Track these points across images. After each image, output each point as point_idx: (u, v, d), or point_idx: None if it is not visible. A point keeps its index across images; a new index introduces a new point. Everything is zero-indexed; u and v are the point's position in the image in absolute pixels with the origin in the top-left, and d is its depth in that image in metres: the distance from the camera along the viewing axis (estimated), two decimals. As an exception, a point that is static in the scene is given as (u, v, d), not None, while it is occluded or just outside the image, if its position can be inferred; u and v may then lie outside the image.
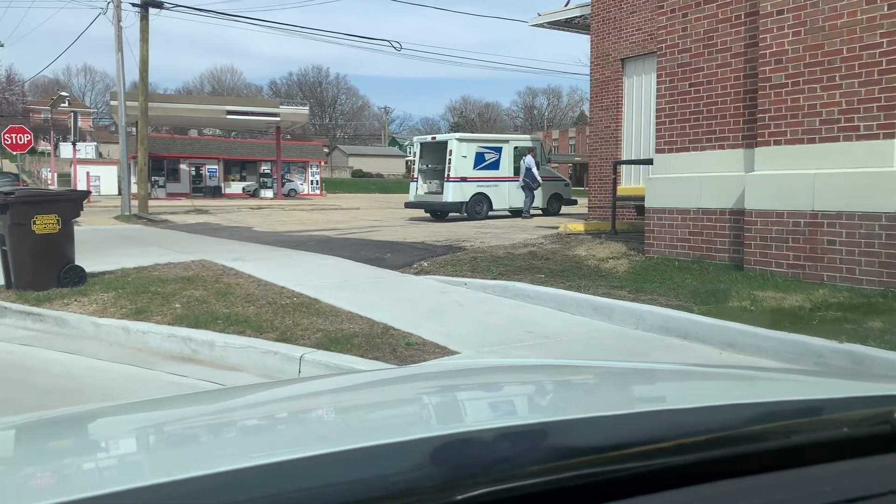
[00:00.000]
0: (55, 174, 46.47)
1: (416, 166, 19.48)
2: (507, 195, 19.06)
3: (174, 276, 8.13)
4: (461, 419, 1.24)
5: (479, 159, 18.57)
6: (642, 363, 2.86)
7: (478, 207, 18.57)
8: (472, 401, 1.43)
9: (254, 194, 47.24)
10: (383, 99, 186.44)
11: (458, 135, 19.39)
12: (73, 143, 40.34)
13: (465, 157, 18.31)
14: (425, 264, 8.64)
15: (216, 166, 50.02)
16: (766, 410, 1.13)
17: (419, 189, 19.27)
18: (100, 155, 70.10)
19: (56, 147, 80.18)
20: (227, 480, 0.79)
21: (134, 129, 48.20)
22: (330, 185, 59.02)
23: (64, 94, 47.04)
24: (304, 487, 0.79)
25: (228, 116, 40.21)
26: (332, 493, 0.78)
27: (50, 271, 7.47)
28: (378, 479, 0.81)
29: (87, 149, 62.87)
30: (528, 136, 23.32)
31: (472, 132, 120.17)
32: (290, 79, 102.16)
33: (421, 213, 19.98)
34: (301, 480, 0.80)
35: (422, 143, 19.66)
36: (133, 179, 47.48)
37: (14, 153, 21.30)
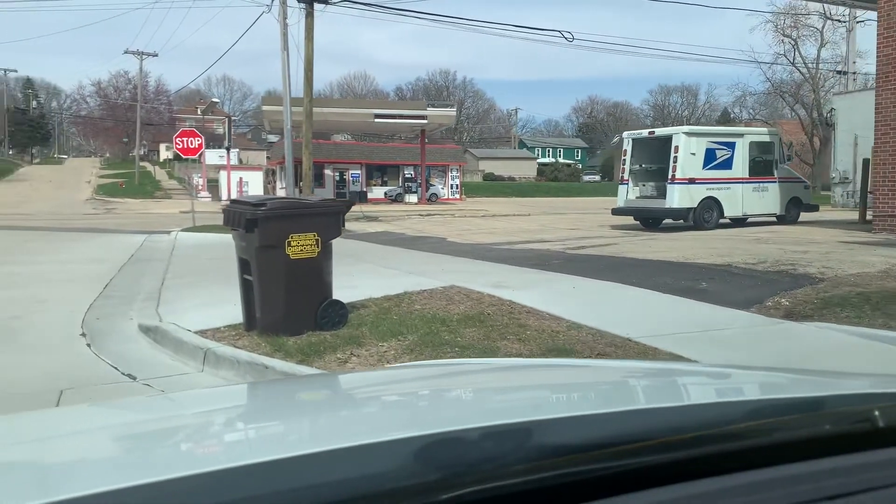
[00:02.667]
0: (205, 180, 47.14)
1: (626, 167, 16.74)
2: (740, 199, 16.14)
3: (454, 314, 6.10)
4: (446, 418, 1.20)
5: (710, 157, 15.70)
6: (627, 362, 2.33)
7: (706, 214, 15.71)
8: (457, 400, 1.42)
9: (396, 199, 46.09)
10: (506, 101, 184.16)
11: (685, 128, 16.67)
12: (228, 149, 40.59)
13: (693, 154, 15.51)
14: (785, 302, 6.21)
15: (359, 171, 49.30)
16: (748, 408, 1.13)
17: (630, 193, 16.60)
18: (240, 161, 71.63)
19: (201, 154, 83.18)
20: (212, 480, 0.78)
21: (272, 135, 48.15)
22: (466, 189, 57.30)
23: (215, 100, 47.38)
24: (289, 488, 0.77)
25: (376, 120, 39.15)
26: (317, 493, 0.77)
27: (306, 308, 5.60)
28: (362, 479, 0.80)
29: (226, 155, 64.15)
30: (764, 130, 20.25)
31: (603, 132, 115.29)
32: (415, 84, 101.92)
33: (622, 220, 17.45)
34: (285, 480, 0.79)
35: (634, 140, 16.75)
36: (280, 184, 47.48)
37: (185, 157, 20.46)
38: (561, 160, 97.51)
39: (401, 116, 39.96)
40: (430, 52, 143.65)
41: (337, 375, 2.98)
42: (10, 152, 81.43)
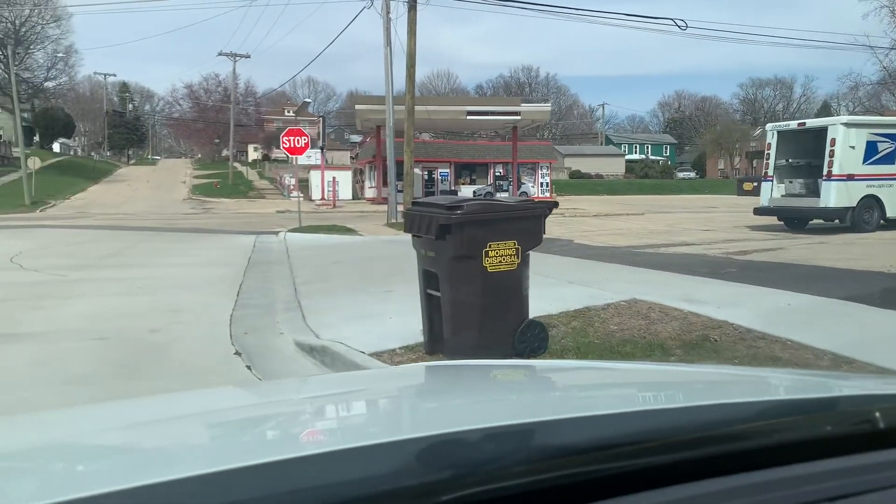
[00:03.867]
0: (297, 180, 47.34)
1: (770, 162, 15.19)
2: None
3: (665, 338, 5.11)
4: (447, 419, 1.20)
5: (871, 150, 14.04)
6: (628, 363, 2.25)
7: (866, 215, 14.08)
8: (459, 401, 1.41)
9: (485, 198, 45.20)
10: (589, 97, 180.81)
11: (844, 118, 15.07)
12: (322, 149, 40.56)
13: (852, 147, 13.89)
14: None
15: (447, 170, 48.61)
16: (749, 410, 1.12)
17: (774, 191, 15.06)
18: (326, 161, 72.09)
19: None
20: (214, 481, 0.77)
21: (356, 136, 48.02)
22: (555, 187, 55.86)
23: (307, 100, 47.55)
24: (290, 489, 0.77)
25: (468, 117, 38.32)
26: (318, 494, 0.77)
27: (502, 330, 4.70)
28: (364, 481, 0.80)
29: (316, 155, 64.65)
30: (933, 119, 18.35)
31: (693, 128, 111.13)
32: (496, 81, 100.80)
33: (762, 220, 15.97)
34: (287, 481, 0.78)
35: (780, 132, 15.12)
36: (369, 184, 47.28)
37: (291, 156, 20.05)
38: (650, 157, 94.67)
39: (494, 113, 39.02)
40: (509, 50, 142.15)
41: (337, 376, 2.86)
42: (107, 154, 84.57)
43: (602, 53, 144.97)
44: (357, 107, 38.28)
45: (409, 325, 6.22)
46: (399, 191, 42.98)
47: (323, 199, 40.22)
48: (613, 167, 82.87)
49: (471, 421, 1.04)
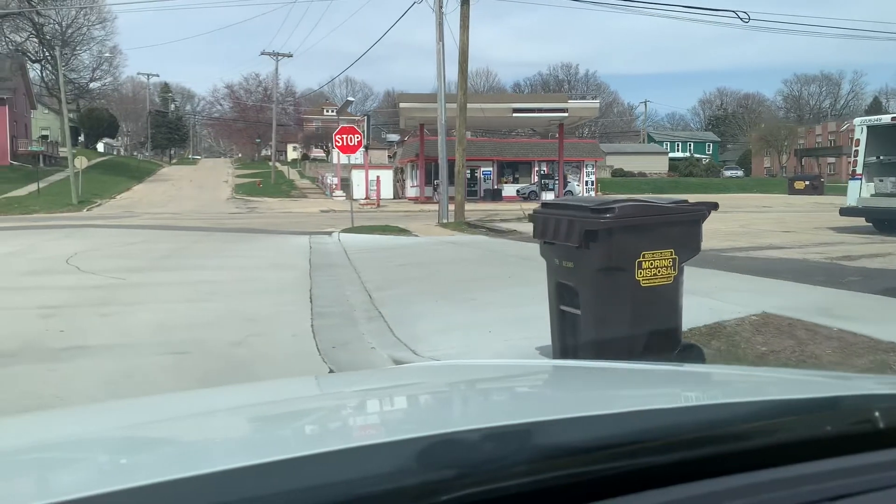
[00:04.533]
0: (339, 179, 47.00)
1: (858, 159, 14.18)
2: None
3: (830, 362, 4.35)
4: (447, 419, 1.21)
5: (974, 145, 13.00)
6: (629, 364, 2.07)
7: (966, 218, 12.98)
8: (458, 401, 1.42)
9: (529, 197, 44.19)
10: (628, 95, 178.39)
11: None
12: (367, 148, 40.09)
13: (954, 141, 12.83)
14: None
15: (490, 168, 47.88)
16: (750, 410, 1.12)
17: (864, 191, 14.06)
18: (368, 161, 71.78)
19: (328, 153, 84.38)
20: (211, 481, 0.77)
21: (392, 135, 47.58)
22: (600, 186, 54.78)
23: (350, 99, 47.22)
24: (289, 489, 0.77)
25: (515, 115, 37.54)
26: (317, 494, 0.76)
27: (653, 354, 4.00)
28: (363, 480, 0.80)
29: (359, 154, 64.38)
30: None
31: (737, 126, 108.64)
32: (534, 79, 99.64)
33: (846, 221, 14.99)
34: (285, 481, 0.78)
35: (870, 127, 14.06)
36: (411, 183, 46.72)
37: (343, 154, 19.55)
38: (693, 155, 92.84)
39: (540, 110, 38.14)
40: (546, 48, 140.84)
41: (337, 376, 2.85)
42: (149, 153, 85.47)
43: (641, 51, 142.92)
44: (401, 105, 37.67)
45: (513, 340, 5.58)
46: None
47: (367, 198, 39.76)
48: (656, 165, 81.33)
49: (471, 421, 1.05)
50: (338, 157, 53.10)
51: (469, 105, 37.93)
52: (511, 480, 0.81)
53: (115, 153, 78.48)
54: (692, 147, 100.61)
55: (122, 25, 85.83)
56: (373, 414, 1.34)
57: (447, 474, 0.82)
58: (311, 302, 7.76)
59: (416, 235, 16.92)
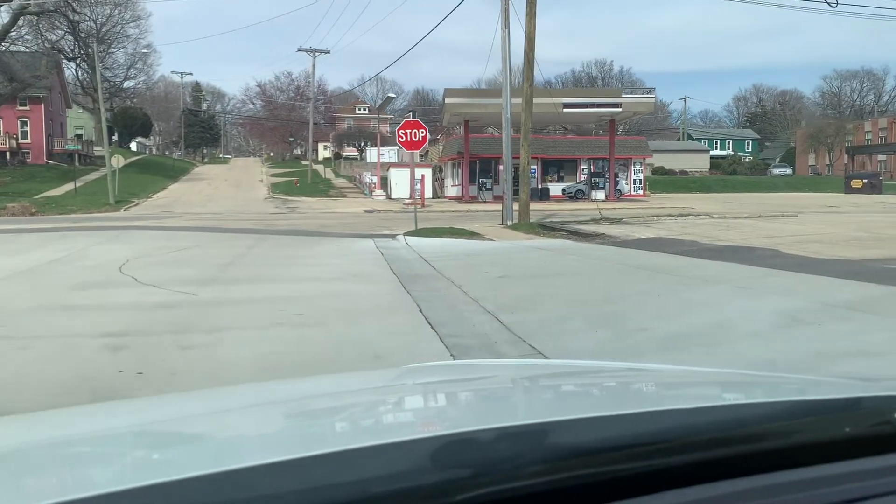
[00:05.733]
0: (379, 178, 45.65)
1: None
2: None
3: None
4: (461, 419, 1.21)
5: None
6: (643, 364, 2.13)
7: None
8: (473, 400, 1.42)
9: (575, 196, 42.43)
10: (662, 92, 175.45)
11: None
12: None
13: None
14: None
15: (535, 166, 46.10)
16: (767, 411, 1.10)
17: None
18: (400, 159, 70.48)
19: (362, 152, 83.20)
20: (225, 480, 0.76)
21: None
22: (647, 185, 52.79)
23: (391, 95, 45.86)
24: (303, 488, 0.77)
25: (565, 110, 35.82)
26: (331, 493, 0.76)
27: None
28: (377, 480, 0.80)
29: (389, 153, 63.00)
30: None
31: (778, 122, 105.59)
32: (565, 76, 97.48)
33: None
34: (299, 480, 0.78)
35: None
36: (452, 182, 45.18)
37: (408, 151, 18.06)
38: (736, 152, 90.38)
39: (592, 105, 36.46)
40: (578, 45, 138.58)
41: (350, 375, 2.87)
42: (180, 152, 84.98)
43: (675, 47, 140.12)
44: (447, 100, 36.17)
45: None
46: (488, 189, 40.79)
47: (412, 197, 38.30)
48: (698, 163, 79.09)
49: (485, 420, 1.04)
50: (378, 155, 51.82)
51: (514, 100, 36.35)
52: (525, 480, 0.80)
53: (147, 152, 78.00)
54: (731, 145, 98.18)
55: (156, 23, 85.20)
56: (387, 413, 1.32)
57: (461, 474, 0.81)
58: (433, 329, 6.26)
59: (491, 239, 15.41)
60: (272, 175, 60.59)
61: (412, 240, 15.31)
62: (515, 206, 21.28)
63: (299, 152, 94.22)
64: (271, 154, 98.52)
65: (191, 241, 15.63)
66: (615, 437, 0.93)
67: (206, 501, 0.74)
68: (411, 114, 36.73)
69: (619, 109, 36.28)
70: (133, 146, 73.21)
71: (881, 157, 71.06)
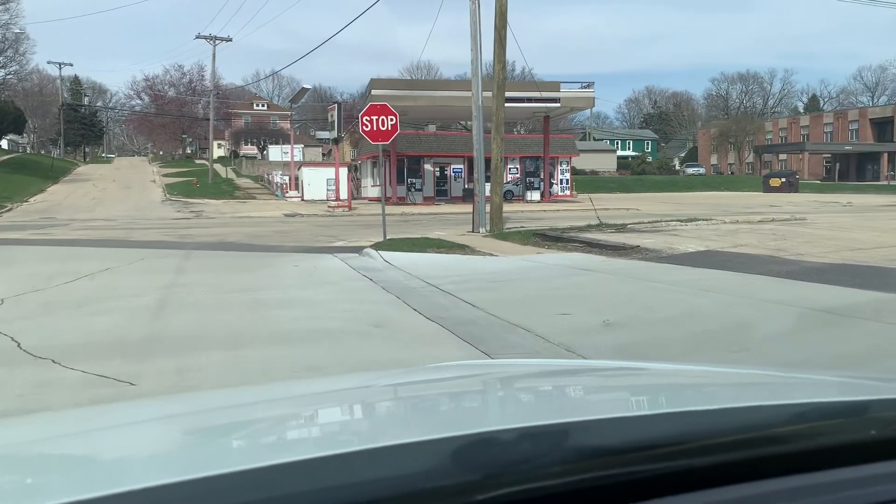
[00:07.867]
0: (293, 178, 41.39)
1: None
2: None
3: None
4: (482, 419, 1.20)
5: None
6: (663, 364, 2.06)
7: None
8: (493, 400, 1.40)
9: (505, 197, 39.73)
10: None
11: None
12: (336, 141, 34.80)
13: None
14: None
15: (461, 166, 43.15)
16: (791, 412, 1.08)
17: None
18: (304, 158, 65.95)
19: (263, 150, 77.80)
20: (242, 480, 0.76)
21: (322, 132, 42.28)
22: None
23: (307, 86, 41.73)
24: (322, 487, 0.76)
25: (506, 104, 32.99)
26: (351, 492, 0.75)
27: None
28: (398, 479, 0.79)
29: (294, 151, 58.49)
30: None
31: (678, 123, 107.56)
32: (465, 78, 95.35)
33: None
34: (319, 479, 0.77)
35: None
36: (371, 182, 41.52)
37: (374, 143, 14.54)
38: (641, 152, 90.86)
39: (530, 100, 33.82)
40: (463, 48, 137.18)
41: (371, 374, 2.86)
42: (60, 152, 77.05)
43: (576, 52, 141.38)
44: (374, 92, 32.58)
45: None
46: (417, 189, 37.39)
47: (338, 199, 34.44)
48: (605, 163, 78.66)
49: (506, 420, 1.04)
50: (291, 153, 47.42)
51: (448, 93, 33.16)
52: (546, 481, 0.80)
53: (21, 151, 69.93)
54: (631, 145, 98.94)
55: (29, 10, 76.88)
56: (407, 412, 1.30)
57: (482, 474, 0.80)
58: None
59: (492, 254, 12.17)
60: (165, 175, 55.03)
61: (390, 255, 11.88)
62: (487, 209, 18.24)
63: (190, 151, 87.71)
64: (160, 153, 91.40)
65: (92, 262, 11.55)
66: (637, 438, 0.91)
67: (219, 501, 0.73)
68: (337, 106, 33.01)
69: (558, 105, 33.91)
70: (4, 144, 65.27)
71: (783, 156, 72.68)
